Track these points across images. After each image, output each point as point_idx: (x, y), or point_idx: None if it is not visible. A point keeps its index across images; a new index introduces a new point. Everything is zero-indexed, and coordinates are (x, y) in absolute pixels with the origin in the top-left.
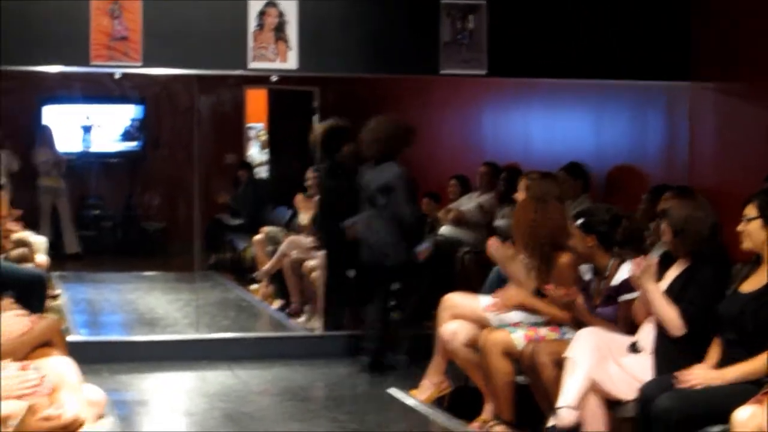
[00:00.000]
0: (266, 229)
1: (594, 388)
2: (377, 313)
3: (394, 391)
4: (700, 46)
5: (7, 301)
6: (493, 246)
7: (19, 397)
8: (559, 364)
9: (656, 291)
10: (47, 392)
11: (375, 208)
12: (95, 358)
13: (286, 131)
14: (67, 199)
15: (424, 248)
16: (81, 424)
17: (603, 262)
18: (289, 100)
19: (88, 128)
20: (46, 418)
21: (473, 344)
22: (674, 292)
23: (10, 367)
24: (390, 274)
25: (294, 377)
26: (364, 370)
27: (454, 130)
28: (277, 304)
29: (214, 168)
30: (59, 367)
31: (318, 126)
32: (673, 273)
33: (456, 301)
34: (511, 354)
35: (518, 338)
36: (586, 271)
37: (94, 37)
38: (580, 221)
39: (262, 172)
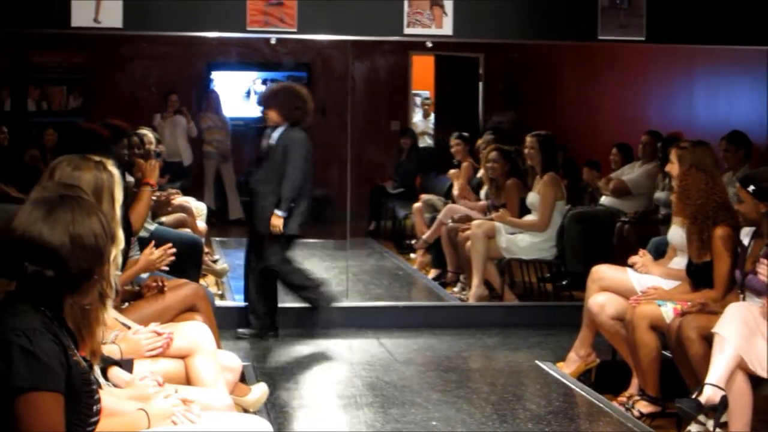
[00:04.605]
0: (425, 196)
1: (741, 365)
2: None
3: (541, 364)
4: None
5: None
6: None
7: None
8: (706, 339)
9: None
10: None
11: None
12: (245, 323)
13: (451, 98)
14: (231, 165)
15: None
16: None
17: None
18: (454, 66)
19: (256, 93)
20: None
21: (621, 317)
22: None
23: (143, 329)
24: None
25: (440, 347)
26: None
27: (617, 97)
28: (433, 273)
29: (374, 135)
30: (194, 332)
31: None
32: None
33: (605, 273)
34: (659, 328)
35: (667, 312)
36: (745, 235)
37: (250, 3)
38: (752, 187)
39: (427, 140)
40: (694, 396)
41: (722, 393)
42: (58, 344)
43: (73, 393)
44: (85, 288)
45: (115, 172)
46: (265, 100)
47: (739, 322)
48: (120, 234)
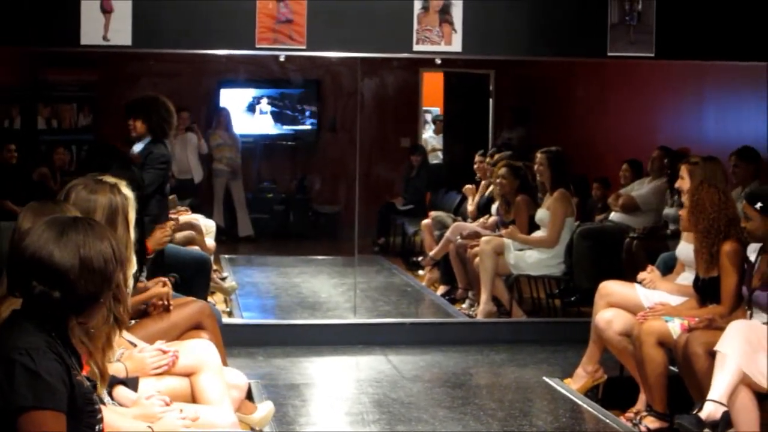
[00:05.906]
0: (434, 213)
1: (745, 382)
2: None
3: (548, 380)
4: None
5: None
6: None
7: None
8: (713, 354)
9: None
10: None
11: None
12: (252, 341)
13: (461, 115)
14: (241, 182)
15: None
16: None
17: None
18: (464, 83)
19: (263, 111)
20: None
21: (628, 333)
22: None
23: (148, 347)
24: None
25: (447, 364)
26: None
27: (627, 113)
28: (441, 289)
29: (384, 152)
30: (200, 350)
31: None
32: None
33: (612, 289)
34: (666, 343)
35: (674, 327)
36: (752, 251)
37: (259, 21)
38: (759, 204)
39: (439, 156)
40: (695, 412)
41: (724, 409)
42: (61, 363)
43: (76, 412)
44: (91, 311)
45: (129, 194)
46: (131, 110)
47: (740, 339)
48: (133, 257)
